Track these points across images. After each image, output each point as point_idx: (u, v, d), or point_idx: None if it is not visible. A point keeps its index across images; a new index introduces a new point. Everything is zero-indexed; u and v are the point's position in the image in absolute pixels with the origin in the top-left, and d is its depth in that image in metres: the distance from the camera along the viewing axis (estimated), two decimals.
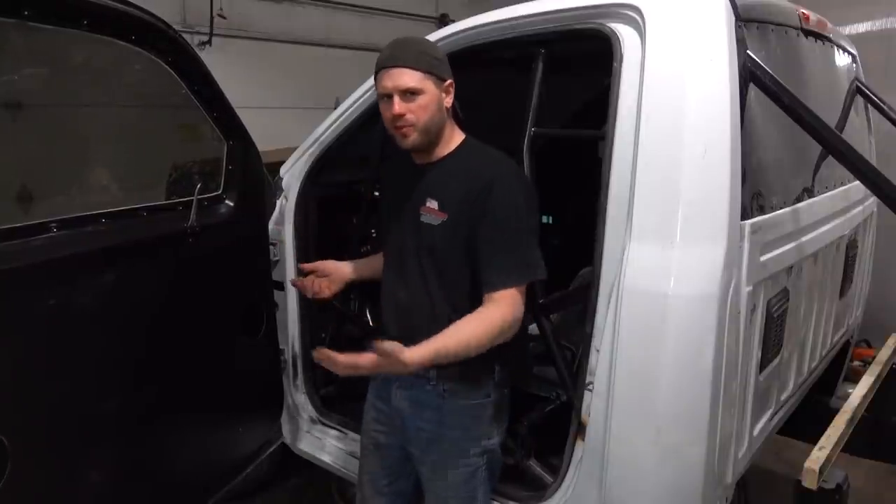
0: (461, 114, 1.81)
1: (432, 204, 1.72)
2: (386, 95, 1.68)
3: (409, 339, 1.79)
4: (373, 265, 2.07)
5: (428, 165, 1.77)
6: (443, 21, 6.39)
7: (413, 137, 1.70)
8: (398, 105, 1.66)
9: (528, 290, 1.71)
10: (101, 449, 1.81)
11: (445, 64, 1.72)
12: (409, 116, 1.67)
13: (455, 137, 1.78)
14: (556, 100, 2.05)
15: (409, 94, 1.65)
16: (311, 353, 2.54)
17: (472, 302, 1.71)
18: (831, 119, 2.35)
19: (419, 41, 1.76)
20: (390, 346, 1.54)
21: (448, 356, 1.60)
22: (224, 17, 4.92)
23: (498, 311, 1.63)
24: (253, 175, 2.24)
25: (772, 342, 1.89)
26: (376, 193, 2.31)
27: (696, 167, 1.58)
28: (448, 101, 1.72)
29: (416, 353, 1.57)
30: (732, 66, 1.62)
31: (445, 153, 1.76)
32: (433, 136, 1.72)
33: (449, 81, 1.71)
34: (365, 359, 1.57)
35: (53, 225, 1.65)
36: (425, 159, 1.78)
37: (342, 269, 2.10)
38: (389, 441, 1.94)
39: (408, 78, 1.64)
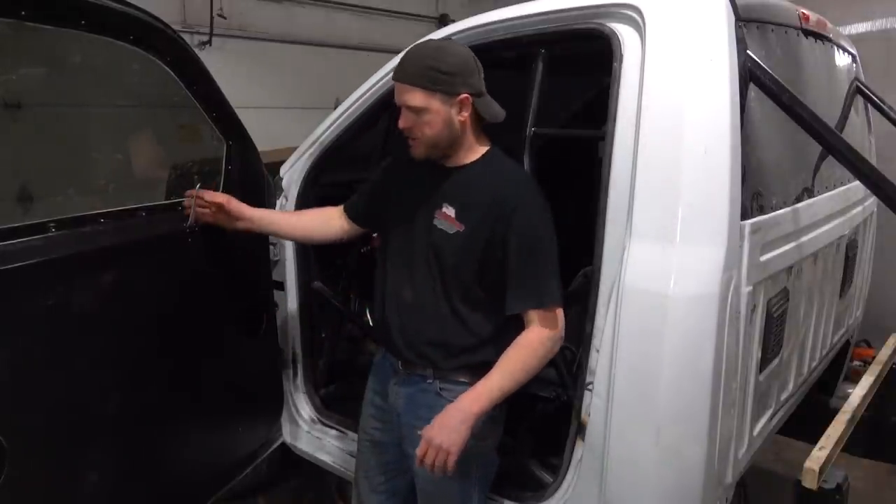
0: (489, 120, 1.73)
1: (448, 211, 1.70)
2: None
3: (408, 336, 1.79)
4: (271, 218, 2.07)
5: (449, 170, 1.74)
6: (443, 21, 6.36)
7: (420, 151, 1.70)
8: (403, 118, 1.67)
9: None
10: (100, 449, 1.81)
11: (459, 76, 1.61)
12: (414, 130, 1.67)
13: (479, 146, 1.74)
14: (556, 100, 2.05)
15: (415, 110, 1.63)
16: (310, 353, 2.57)
17: (473, 307, 1.72)
18: (831, 119, 2.35)
19: (430, 52, 1.64)
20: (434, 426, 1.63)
21: (504, 393, 1.65)
22: (224, 17, 4.91)
23: (535, 334, 1.66)
24: (253, 175, 2.24)
25: (772, 342, 1.89)
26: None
27: (696, 167, 1.58)
28: (463, 115, 1.64)
29: (477, 404, 1.63)
30: (732, 66, 1.62)
31: (468, 161, 1.73)
32: (443, 149, 1.70)
33: (463, 96, 1.62)
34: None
35: (52, 225, 1.65)
36: (446, 162, 1.74)
37: (242, 213, 1.96)
38: (386, 439, 1.94)
39: (410, 96, 1.62)
